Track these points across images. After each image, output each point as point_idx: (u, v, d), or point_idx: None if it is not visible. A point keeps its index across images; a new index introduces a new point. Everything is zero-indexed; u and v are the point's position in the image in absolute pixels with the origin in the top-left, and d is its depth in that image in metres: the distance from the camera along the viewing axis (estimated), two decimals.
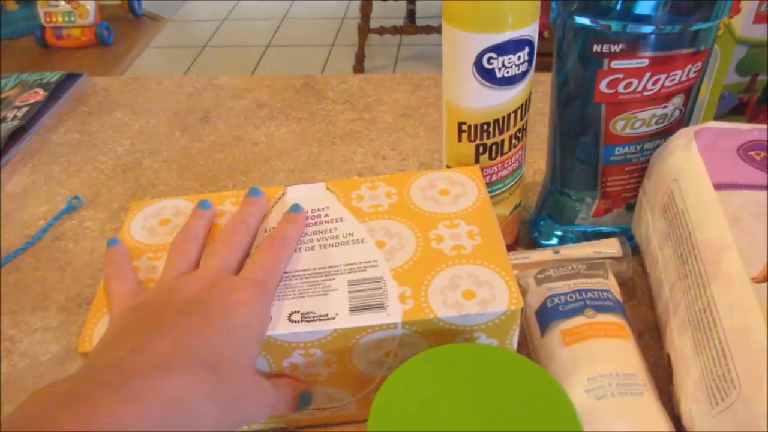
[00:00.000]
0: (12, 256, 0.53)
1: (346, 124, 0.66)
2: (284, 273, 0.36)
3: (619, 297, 0.40)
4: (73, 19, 2.38)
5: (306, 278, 0.35)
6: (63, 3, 2.36)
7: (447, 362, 0.31)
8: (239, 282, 0.33)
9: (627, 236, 0.46)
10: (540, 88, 0.68)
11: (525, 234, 0.51)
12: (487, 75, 0.38)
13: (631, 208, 0.46)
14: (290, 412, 0.35)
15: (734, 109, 0.51)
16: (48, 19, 2.37)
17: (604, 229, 0.47)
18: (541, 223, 0.49)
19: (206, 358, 0.29)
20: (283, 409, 0.34)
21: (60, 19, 2.38)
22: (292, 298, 0.34)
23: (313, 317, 0.33)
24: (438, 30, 2.06)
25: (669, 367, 0.36)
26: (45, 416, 0.24)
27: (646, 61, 0.38)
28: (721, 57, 0.49)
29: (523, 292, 0.42)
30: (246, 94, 0.72)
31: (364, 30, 2.13)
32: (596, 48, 0.38)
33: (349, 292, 0.34)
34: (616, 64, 0.38)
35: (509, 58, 0.37)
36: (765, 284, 0.30)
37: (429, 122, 0.65)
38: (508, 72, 0.38)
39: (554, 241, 0.49)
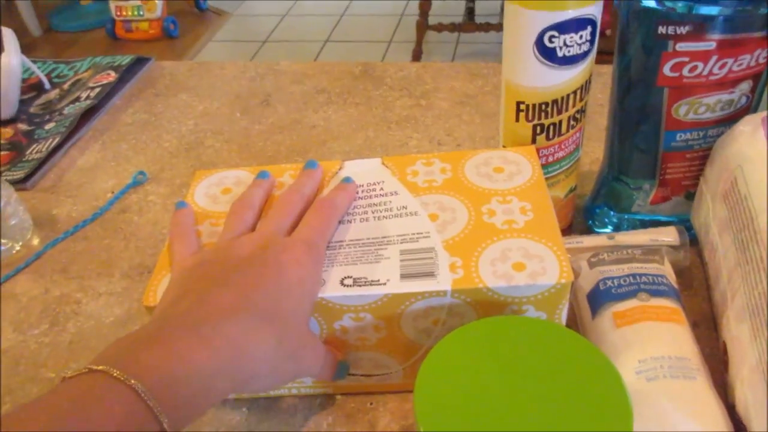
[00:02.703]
0: (81, 226, 0.56)
1: (403, 110, 0.66)
2: (338, 242, 0.37)
3: (675, 284, 0.39)
4: (141, 13, 2.47)
5: (359, 247, 0.36)
6: None
7: (495, 334, 0.31)
8: (291, 242, 0.35)
9: (685, 226, 0.45)
10: (600, 79, 0.67)
11: (580, 221, 0.51)
12: (548, 54, 0.38)
13: (690, 197, 0.45)
14: (329, 379, 0.36)
15: None
16: (118, 13, 2.47)
17: (662, 218, 0.46)
18: (597, 210, 0.49)
19: (265, 309, 0.31)
20: (328, 371, 0.35)
21: (130, 13, 2.48)
22: (345, 264, 0.35)
23: (365, 282, 0.34)
24: (497, 28, 2.04)
25: (724, 355, 0.35)
26: (127, 355, 0.27)
27: (713, 44, 0.37)
28: None
29: (576, 274, 0.41)
30: (306, 80, 0.73)
31: (422, 26, 2.13)
32: (661, 30, 0.38)
33: (401, 260, 0.35)
34: (682, 46, 0.38)
35: (571, 37, 0.37)
36: None
37: (486, 110, 0.65)
38: (569, 51, 0.38)
39: (609, 228, 0.48)
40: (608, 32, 1.62)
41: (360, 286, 0.34)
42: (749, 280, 0.33)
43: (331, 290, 0.34)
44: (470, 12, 2.37)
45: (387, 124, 0.65)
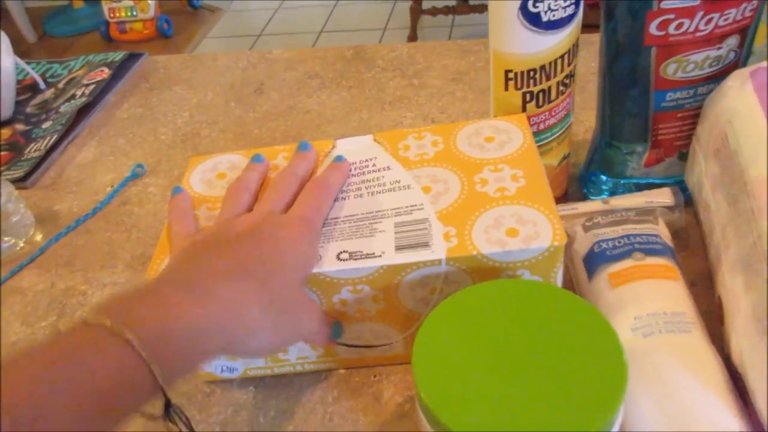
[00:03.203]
0: (83, 220, 0.57)
1: (396, 90, 0.66)
2: (333, 218, 0.37)
3: (669, 242, 0.40)
4: (135, 13, 2.47)
5: (354, 222, 0.37)
6: None
7: (491, 297, 0.31)
8: (287, 218, 0.35)
9: (680, 188, 0.45)
10: (592, 48, 0.67)
11: (575, 190, 0.51)
12: (532, 19, 0.38)
13: (683, 157, 0.45)
14: (326, 340, 0.37)
15: None
16: (112, 15, 2.47)
17: (656, 180, 0.47)
18: (592, 177, 0.49)
19: (259, 277, 0.32)
20: (324, 334, 0.36)
21: (123, 14, 2.48)
22: (341, 239, 0.36)
23: (361, 255, 0.34)
24: None
25: (720, 309, 0.35)
26: (121, 308, 0.27)
27: (697, 0, 0.37)
28: None
29: (571, 240, 0.42)
30: (298, 66, 0.73)
31: (416, 11, 2.12)
32: None
33: (396, 233, 0.35)
34: (667, 3, 0.38)
35: (555, 1, 0.37)
36: None
37: (479, 86, 0.65)
38: (554, 15, 0.38)
39: (605, 195, 0.48)
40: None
41: (356, 259, 0.34)
42: (741, 232, 0.33)
43: (329, 265, 0.35)
44: None
45: (381, 105, 0.65)
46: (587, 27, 0.46)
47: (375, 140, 0.42)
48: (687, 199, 0.45)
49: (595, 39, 0.67)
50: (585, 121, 0.58)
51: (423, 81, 0.67)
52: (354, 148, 0.42)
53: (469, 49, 0.71)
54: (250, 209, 0.38)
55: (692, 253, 0.44)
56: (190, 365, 0.29)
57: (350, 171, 0.40)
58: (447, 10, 2.10)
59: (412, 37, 2.16)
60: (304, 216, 0.36)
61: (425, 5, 2.14)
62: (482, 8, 2.06)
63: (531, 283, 0.32)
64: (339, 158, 0.41)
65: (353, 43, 2.38)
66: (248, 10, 2.74)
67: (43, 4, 2.79)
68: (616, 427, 0.28)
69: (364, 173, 0.40)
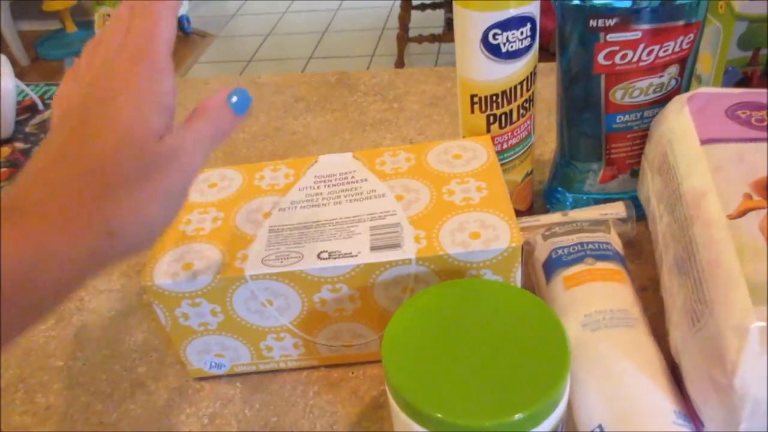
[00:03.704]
0: None
1: (377, 113, 0.71)
2: (315, 221, 0.41)
3: (620, 250, 0.44)
4: None
5: (333, 226, 0.40)
6: None
7: (454, 294, 0.35)
8: (117, 63, 0.29)
9: (634, 203, 0.50)
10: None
11: (540, 205, 0.55)
12: (493, 50, 0.42)
13: (635, 174, 0.49)
14: (229, 121, 0.32)
15: (739, 83, 0.54)
16: None
17: (612, 195, 0.51)
18: (554, 193, 0.53)
19: (92, 164, 0.27)
20: (214, 132, 0.31)
21: None
22: (321, 240, 0.40)
23: (339, 255, 0.38)
24: None
25: (663, 308, 0.39)
26: None
27: (639, 34, 0.42)
28: (723, 33, 0.52)
29: (531, 248, 0.46)
30: (286, 90, 0.78)
31: (402, 39, 2.19)
32: (592, 23, 0.42)
33: (371, 235, 0.39)
34: (612, 37, 0.42)
35: (513, 34, 0.42)
36: (738, 219, 0.33)
37: (454, 110, 0.70)
38: (512, 46, 0.42)
39: (566, 209, 0.53)
40: (551, 48, 1.67)
41: (335, 258, 0.38)
42: (676, 237, 0.38)
43: (310, 263, 0.38)
44: (449, 22, 2.43)
45: (362, 127, 0.69)
46: (553, 55, 0.50)
47: (354, 157, 0.46)
48: (640, 215, 0.49)
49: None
50: (550, 142, 0.62)
51: (402, 105, 0.72)
52: (335, 162, 0.46)
53: (446, 75, 0.76)
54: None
55: (644, 261, 0.49)
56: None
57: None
58: (432, 38, 2.17)
59: (399, 64, 2.23)
60: (138, 47, 0.29)
61: (412, 33, 2.21)
62: None
63: (490, 282, 0.36)
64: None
65: (342, 68, 2.45)
66: (239, 36, 2.81)
67: (36, 28, 2.84)
68: (562, 406, 0.31)
69: (343, 183, 0.44)
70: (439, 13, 2.52)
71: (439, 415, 0.30)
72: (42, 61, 2.68)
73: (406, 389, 0.31)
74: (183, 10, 2.89)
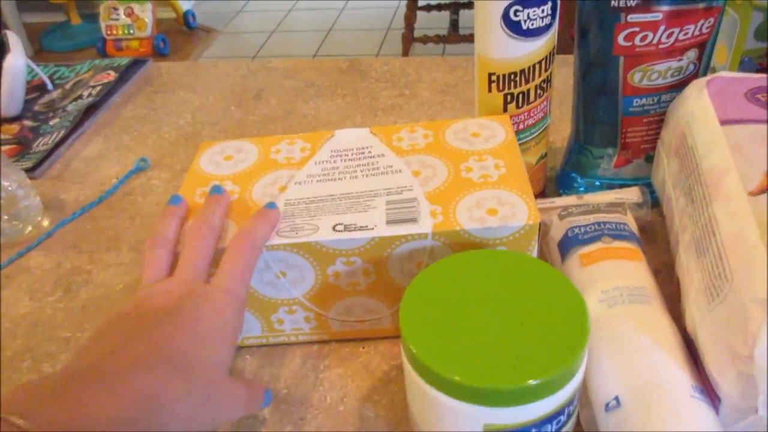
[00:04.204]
0: (89, 207, 0.60)
1: (388, 99, 0.71)
2: (330, 195, 0.41)
3: (636, 231, 0.44)
4: (132, 31, 2.52)
5: (349, 199, 0.40)
6: (123, 17, 2.51)
7: (473, 263, 0.35)
8: (211, 291, 0.35)
9: (648, 191, 0.50)
10: (570, 67, 0.72)
11: (552, 190, 0.55)
12: (514, 27, 0.42)
13: (649, 159, 0.49)
14: (257, 410, 0.37)
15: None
16: (109, 32, 2.52)
17: (625, 181, 0.51)
18: (567, 178, 0.53)
19: (178, 359, 0.32)
20: (254, 408, 0.37)
21: (120, 32, 2.53)
22: (337, 213, 0.39)
23: (354, 227, 0.38)
24: None
25: (678, 288, 0.39)
26: (33, 405, 0.28)
27: (660, 15, 0.42)
28: (740, 23, 0.52)
29: (546, 228, 0.45)
30: (296, 75, 0.78)
31: (408, 39, 2.19)
32: (613, 3, 0.42)
33: (387, 209, 0.39)
34: (633, 17, 0.42)
35: (534, 11, 0.42)
36: (760, 196, 0.33)
37: (465, 97, 0.70)
38: (533, 24, 0.42)
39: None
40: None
41: (350, 231, 0.38)
42: (694, 217, 0.37)
43: (325, 235, 0.38)
44: (454, 24, 2.44)
45: (373, 112, 0.69)
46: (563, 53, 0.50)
47: (371, 132, 0.46)
48: (654, 201, 0.49)
49: (572, 59, 0.73)
50: (563, 131, 0.62)
51: (413, 92, 0.71)
52: (351, 137, 0.46)
53: (458, 64, 0.76)
54: (170, 266, 0.38)
55: (657, 247, 0.48)
56: None
57: (279, 219, 0.39)
58: (438, 39, 2.17)
59: None
60: (228, 287, 0.36)
61: (417, 33, 2.21)
62: (472, 38, 2.13)
63: (508, 253, 0.36)
64: (270, 205, 0.40)
65: None
66: (243, 33, 2.81)
67: (41, 20, 2.83)
68: (579, 376, 0.31)
69: (359, 158, 0.44)
70: (445, 15, 2.53)
71: (456, 378, 0.29)
72: (46, 53, 2.68)
73: (423, 352, 0.31)
74: (188, 5, 2.90)
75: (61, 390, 0.29)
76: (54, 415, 0.27)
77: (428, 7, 2.31)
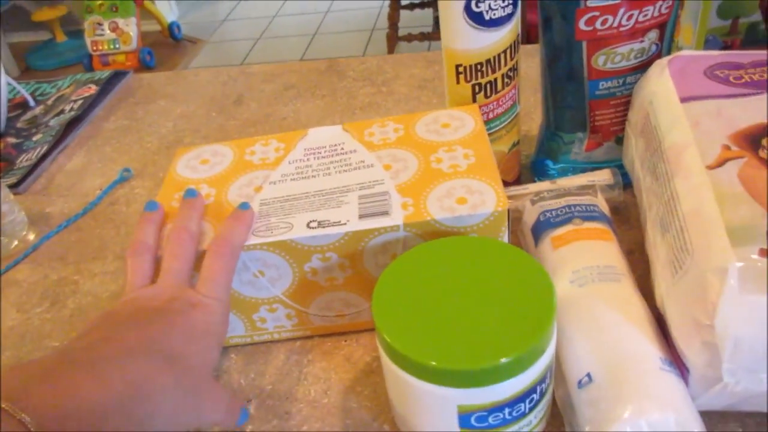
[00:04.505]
0: (74, 219, 0.60)
1: (366, 97, 0.72)
2: (304, 193, 0.42)
3: (607, 212, 0.44)
4: (117, 45, 2.53)
5: (322, 196, 0.41)
6: (108, 32, 2.52)
7: (444, 250, 0.36)
8: (197, 297, 0.36)
9: (620, 171, 0.50)
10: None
11: (527, 177, 0.56)
12: (476, 18, 0.43)
13: (619, 141, 0.50)
14: (233, 426, 0.38)
15: None
16: (95, 48, 2.52)
17: (597, 164, 0.52)
18: (540, 165, 0.54)
19: (168, 351, 0.33)
20: (231, 418, 0.37)
21: (106, 47, 2.53)
22: (310, 211, 0.40)
23: (328, 223, 0.39)
24: None
25: (648, 265, 0.40)
26: (21, 388, 0.28)
27: None
28: (704, 3, 0.53)
29: (520, 214, 0.46)
30: (276, 78, 0.78)
31: (392, 38, 2.20)
32: None
33: (359, 204, 0.40)
34: (592, 2, 0.43)
35: (495, 2, 0.43)
36: (717, 169, 0.34)
37: (442, 92, 0.70)
38: (495, 14, 0.43)
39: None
40: None
41: (324, 227, 0.39)
42: (658, 193, 0.38)
43: (300, 233, 0.39)
44: (437, 21, 2.44)
45: (352, 110, 0.70)
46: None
47: (344, 129, 0.47)
48: (627, 183, 0.50)
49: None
50: (537, 119, 0.63)
51: (391, 88, 0.72)
52: (325, 135, 0.47)
53: (434, 59, 0.76)
54: (152, 273, 0.39)
55: (630, 227, 0.49)
56: None
57: (254, 219, 0.40)
58: (422, 37, 2.18)
59: None
60: (214, 295, 0.37)
61: (401, 32, 2.22)
62: None
63: (477, 239, 0.36)
64: (243, 206, 0.40)
65: None
66: (229, 41, 2.82)
67: (26, 39, 2.84)
68: (549, 352, 0.32)
69: (332, 155, 0.44)
70: (428, 12, 2.54)
71: (427, 362, 0.30)
72: (33, 71, 2.68)
73: (396, 339, 0.31)
74: (173, 16, 2.90)
75: (52, 372, 0.29)
76: (44, 397, 0.28)
77: (411, 6, 2.32)
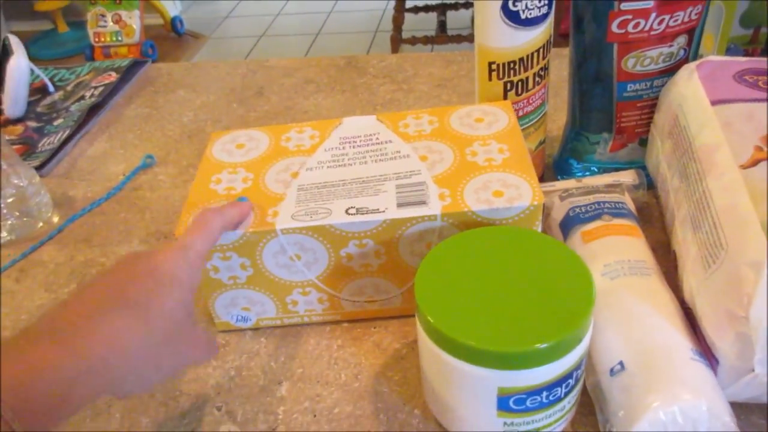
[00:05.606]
0: (98, 203, 0.61)
1: (387, 93, 0.73)
2: (341, 180, 0.42)
3: (633, 210, 0.46)
4: (120, 38, 2.52)
5: (360, 184, 0.42)
6: (111, 23, 2.51)
7: (484, 238, 0.37)
8: (166, 245, 0.36)
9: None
10: (564, 60, 0.74)
11: (550, 176, 0.57)
12: (513, 16, 0.44)
13: (643, 143, 0.51)
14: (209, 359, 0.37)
15: None
16: (97, 39, 2.51)
17: (620, 165, 0.53)
18: (564, 164, 0.55)
19: (137, 300, 0.32)
20: (210, 354, 0.38)
21: (108, 39, 2.53)
22: (348, 198, 0.41)
23: (366, 210, 0.40)
24: (468, 39, 2.13)
25: (675, 261, 0.41)
26: None
27: (651, 2, 0.44)
28: (726, 12, 0.54)
29: (548, 210, 0.47)
30: (295, 73, 0.79)
31: (396, 41, 2.21)
32: None
33: (397, 193, 0.41)
34: (626, 5, 0.44)
35: (532, 1, 0.44)
36: (751, 168, 0.35)
37: (461, 91, 0.72)
38: (530, 14, 0.44)
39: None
40: None
41: (362, 214, 0.40)
42: (689, 192, 0.40)
43: (339, 218, 0.40)
44: (442, 25, 2.46)
45: (373, 106, 0.71)
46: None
47: (378, 119, 0.48)
48: (649, 184, 0.51)
49: (566, 52, 0.75)
50: (558, 120, 0.64)
51: (411, 86, 0.73)
52: (359, 125, 0.48)
53: (452, 59, 0.78)
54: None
55: (652, 226, 0.50)
56: (67, 412, 0.29)
57: (250, 210, 0.41)
58: (426, 40, 2.19)
59: None
60: (183, 242, 0.36)
61: (405, 35, 2.23)
62: (459, 38, 2.16)
63: (515, 229, 0.37)
64: (241, 199, 0.42)
65: None
66: (231, 38, 2.82)
67: (28, 29, 2.83)
68: (586, 341, 0.33)
69: (368, 145, 0.45)
70: (432, 16, 2.55)
71: (471, 343, 0.31)
72: (34, 60, 2.65)
73: (439, 321, 0.32)
74: (176, 11, 2.90)
75: (13, 351, 0.28)
76: (5, 380, 0.27)
77: (416, 9, 2.33)
